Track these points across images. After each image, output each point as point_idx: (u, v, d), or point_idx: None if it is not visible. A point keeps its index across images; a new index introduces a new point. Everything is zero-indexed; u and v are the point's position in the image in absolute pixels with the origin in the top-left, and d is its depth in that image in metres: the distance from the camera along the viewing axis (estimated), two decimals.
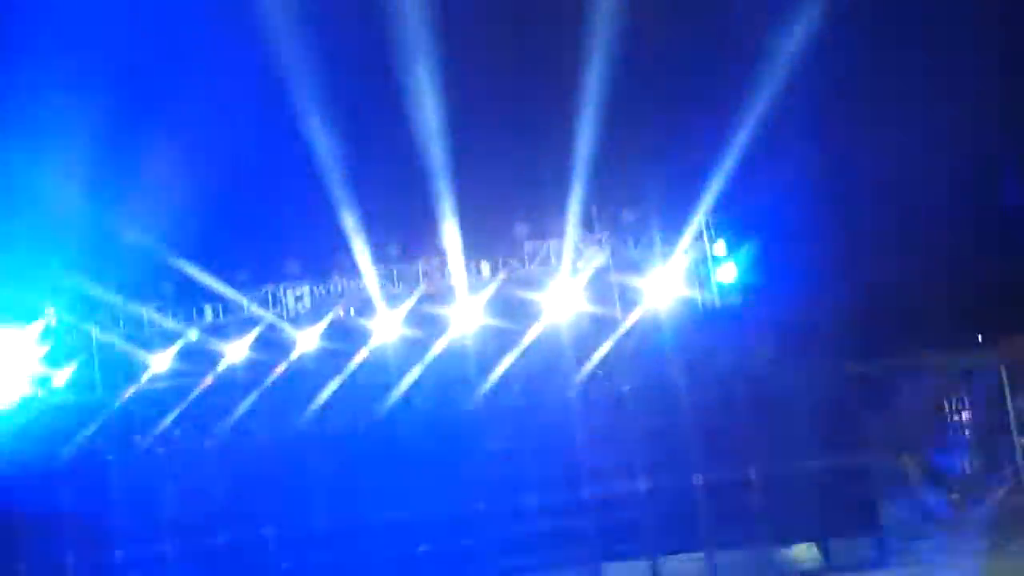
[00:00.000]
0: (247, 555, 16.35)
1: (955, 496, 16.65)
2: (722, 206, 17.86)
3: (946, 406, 18.90)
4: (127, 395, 18.98)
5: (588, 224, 18.73)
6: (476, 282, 18.72)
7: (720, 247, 18.56)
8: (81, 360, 19.51)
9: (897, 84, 17.75)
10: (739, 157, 16.79)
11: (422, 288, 18.89)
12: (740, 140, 16.61)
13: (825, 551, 14.71)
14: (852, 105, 18.16)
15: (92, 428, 18.25)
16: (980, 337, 18.71)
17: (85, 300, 19.37)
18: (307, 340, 19.12)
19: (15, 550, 16.49)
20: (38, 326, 19.53)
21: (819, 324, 16.26)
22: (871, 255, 18.07)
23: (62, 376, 19.44)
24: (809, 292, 17.06)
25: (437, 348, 18.04)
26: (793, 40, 15.94)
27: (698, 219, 18.11)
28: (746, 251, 18.46)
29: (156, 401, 18.86)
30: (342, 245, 18.37)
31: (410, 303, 18.78)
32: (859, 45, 17.05)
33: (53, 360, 19.51)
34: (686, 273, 18.56)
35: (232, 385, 18.71)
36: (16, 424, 18.83)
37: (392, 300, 18.84)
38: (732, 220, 18.38)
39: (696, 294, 18.56)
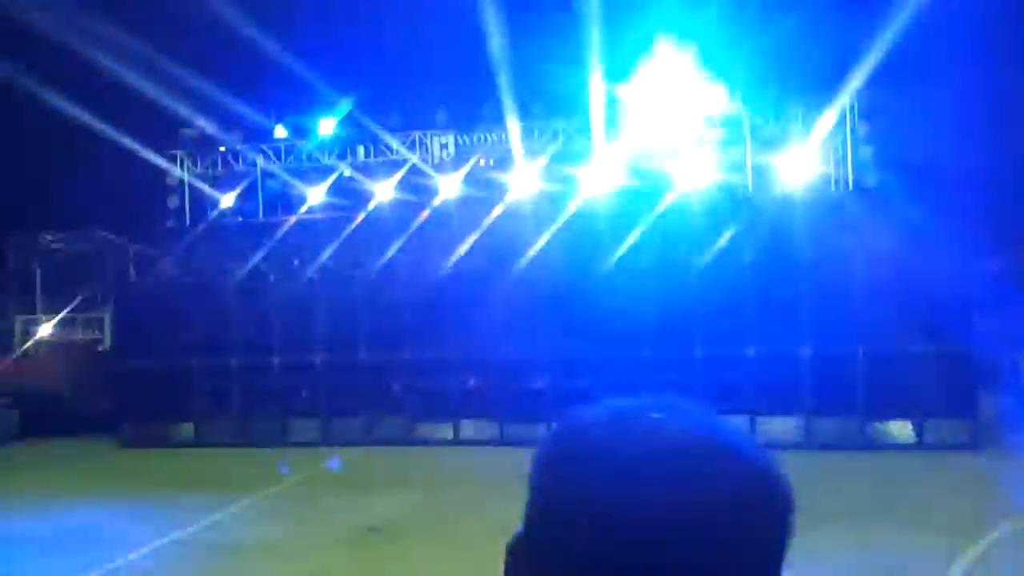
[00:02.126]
0: (382, 373, 18.27)
1: None
2: (868, 87, 17.57)
3: None
4: (287, 222, 20.64)
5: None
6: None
7: (862, 127, 18.41)
8: (245, 187, 21.28)
9: None
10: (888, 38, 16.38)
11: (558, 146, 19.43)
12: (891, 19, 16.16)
13: (919, 429, 15.48)
14: None
15: (256, 250, 20.04)
16: None
17: (254, 131, 20.93)
18: (449, 186, 20.14)
19: (182, 351, 18.83)
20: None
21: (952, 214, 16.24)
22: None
23: (228, 199, 21.29)
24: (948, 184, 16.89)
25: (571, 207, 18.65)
26: None
27: (841, 98, 17.92)
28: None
29: (312, 230, 20.40)
30: (488, 99, 19.08)
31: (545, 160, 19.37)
32: None
33: (222, 184, 21.36)
34: (824, 151, 18.57)
35: (378, 222, 20.01)
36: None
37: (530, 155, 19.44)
38: (877, 101, 18.13)
39: (832, 172, 18.64)
